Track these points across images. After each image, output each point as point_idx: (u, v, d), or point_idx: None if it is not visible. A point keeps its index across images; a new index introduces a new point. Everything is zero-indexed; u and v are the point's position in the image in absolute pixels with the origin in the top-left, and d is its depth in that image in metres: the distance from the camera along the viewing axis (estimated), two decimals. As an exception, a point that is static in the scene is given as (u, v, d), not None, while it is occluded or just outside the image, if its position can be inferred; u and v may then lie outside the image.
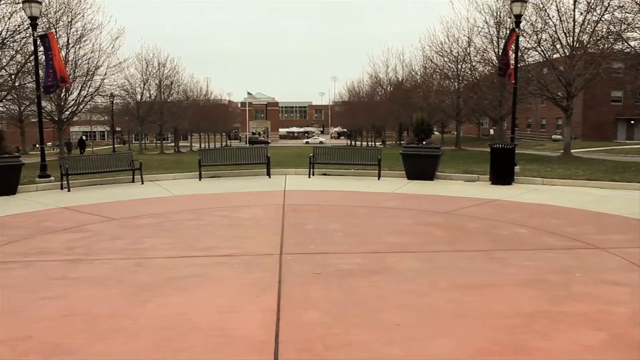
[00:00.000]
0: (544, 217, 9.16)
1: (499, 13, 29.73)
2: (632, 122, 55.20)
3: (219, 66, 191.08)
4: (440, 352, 3.77)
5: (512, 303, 4.77)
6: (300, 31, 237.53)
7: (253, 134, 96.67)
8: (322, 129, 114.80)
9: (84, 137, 54.19)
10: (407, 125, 46.43)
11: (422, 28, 54.43)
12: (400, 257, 6.52)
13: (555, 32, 25.63)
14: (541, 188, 13.30)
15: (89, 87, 32.13)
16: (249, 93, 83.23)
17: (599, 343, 3.91)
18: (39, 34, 16.06)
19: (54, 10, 26.97)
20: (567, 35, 25.54)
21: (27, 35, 23.13)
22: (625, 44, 24.60)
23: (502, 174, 14.14)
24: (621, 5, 23.63)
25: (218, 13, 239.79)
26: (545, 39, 26.06)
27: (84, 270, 6.03)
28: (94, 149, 58.26)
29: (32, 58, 20.90)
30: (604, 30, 24.72)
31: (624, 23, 23.57)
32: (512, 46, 16.58)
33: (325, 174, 16.65)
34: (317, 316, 4.49)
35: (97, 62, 31.18)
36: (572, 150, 27.89)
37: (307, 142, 79.13)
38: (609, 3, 23.99)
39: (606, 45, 25.09)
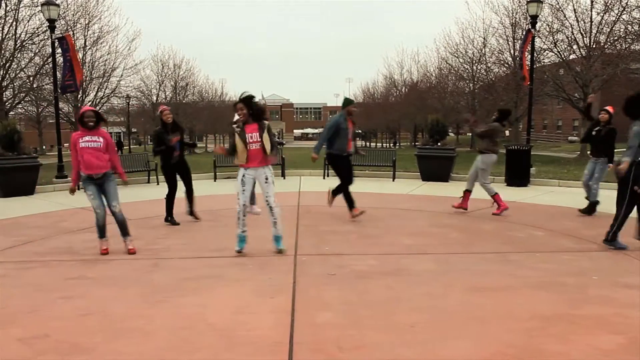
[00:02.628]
0: (560, 219, 9.09)
1: (514, 14, 29.52)
2: (651, 123, 54.44)
3: (234, 68, 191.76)
4: (455, 355, 3.75)
5: (528, 306, 4.74)
6: (314, 32, 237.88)
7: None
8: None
9: (121, 138, 54.74)
10: (422, 126, 46.27)
11: (438, 29, 54.41)
12: (415, 258, 6.50)
13: (572, 33, 25.41)
14: (557, 190, 13.21)
15: (105, 89, 32.50)
16: (262, 95, 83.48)
17: (617, 347, 3.86)
18: (57, 36, 16.28)
19: (72, 12, 27.30)
20: (584, 35, 25.30)
21: (46, 37, 23.46)
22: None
23: (517, 175, 14.06)
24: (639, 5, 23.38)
25: (227, 14, 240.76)
26: (562, 40, 25.84)
27: (101, 270, 6.09)
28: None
29: (50, 60, 21.16)
30: (622, 30, 24.46)
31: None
32: (528, 47, 16.48)
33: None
34: (332, 317, 4.49)
35: (114, 63, 31.54)
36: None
37: (321, 144, 78.88)
38: (627, 3, 23.74)
39: (624, 46, 24.81)
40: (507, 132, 59.30)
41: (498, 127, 9.41)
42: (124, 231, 6.93)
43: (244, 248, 6.65)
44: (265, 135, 6.41)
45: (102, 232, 6.90)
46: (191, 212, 9.09)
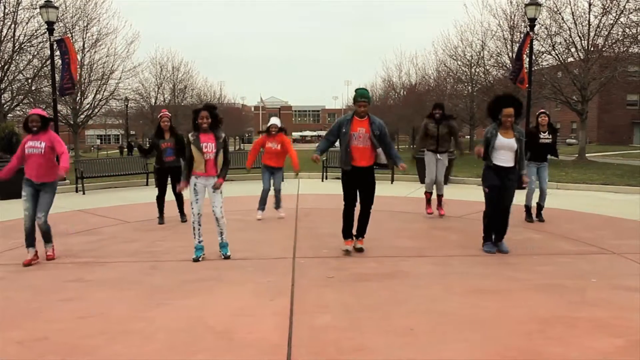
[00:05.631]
0: (558, 221, 9.10)
1: (513, 17, 29.54)
2: (648, 126, 54.65)
3: (232, 70, 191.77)
4: (454, 357, 3.76)
5: (527, 308, 4.74)
6: (312, 35, 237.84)
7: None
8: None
9: (132, 142, 54.67)
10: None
11: (436, 32, 54.60)
12: (414, 261, 6.50)
13: (570, 36, 25.44)
14: (555, 192, 13.20)
15: (104, 91, 32.39)
16: (261, 98, 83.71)
17: (616, 349, 3.87)
18: (56, 38, 16.28)
19: (70, 15, 27.23)
20: (582, 38, 25.32)
21: (44, 40, 23.44)
22: (642, 47, 24.35)
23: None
24: (637, 8, 23.41)
25: (225, 17, 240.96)
26: (560, 43, 25.87)
27: (99, 272, 6.09)
28: (108, 152, 58.73)
29: (48, 62, 21.15)
30: (620, 33, 24.49)
31: (640, 26, 23.33)
32: (527, 50, 16.52)
33: (338, 178, 16.63)
34: (331, 320, 4.49)
35: (112, 66, 31.42)
36: (586, 155, 27.65)
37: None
38: (624, 6, 23.77)
39: (622, 49, 24.84)
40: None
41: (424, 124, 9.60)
42: (46, 238, 6.70)
43: (201, 257, 6.60)
44: (219, 151, 6.43)
45: (28, 239, 6.51)
46: (181, 215, 9.43)
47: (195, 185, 6.50)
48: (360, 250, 6.86)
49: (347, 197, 6.78)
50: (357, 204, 6.83)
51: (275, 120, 9.65)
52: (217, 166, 6.46)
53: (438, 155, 9.51)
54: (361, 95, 6.55)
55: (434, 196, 9.82)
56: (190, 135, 6.48)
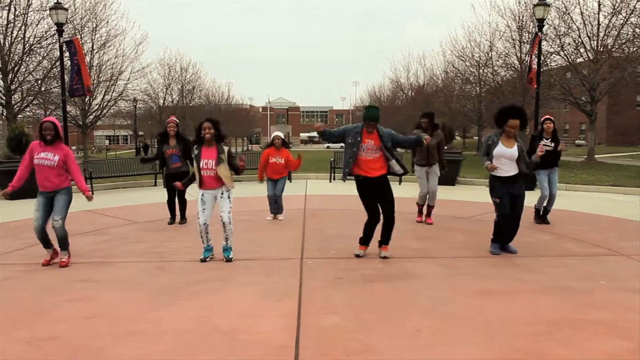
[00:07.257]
0: (567, 223, 9.05)
1: (521, 17, 29.42)
2: (658, 127, 54.14)
3: (240, 71, 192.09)
4: (461, 359, 3.74)
5: (534, 310, 4.72)
6: (321, 36, 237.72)
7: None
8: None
9: (147, 143, 54.98)
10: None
11: (444, 33, 54.70)
12: (422, 262, 6.48)
13: (579, 36, 25.30)
14: (564, 194, 13.13)
15: (112, 92, 32.61)
16: (269, 99, 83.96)
17: (624, 352, 3.84)
18: (65, 39, 16.41)
19: (80, 16, 27.49)
20: (591, 39, 25.19)
21: (54, 41, 23.62)
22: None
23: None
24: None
25: (233, 18, 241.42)
26: (569, 43, 25.74)
27: (106, 273, 6.11)
28: (117, 152, 58.99)
29: (58, 63, 21.29)
30: (630, 33, 24.34)
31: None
32: (535, 50, 16.45)
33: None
34: (338, 321, 4.49)
35: (121, 67, 31.62)
36: (596, 156, 27.51)
37: (327, 147, 78.95)
38: (635, 5, 23.63)
39: (632, 49, 24.68)
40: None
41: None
42: (62, 245, 6.50)
43: (209, 257, 6.62)
44: (222, 166, 6.38)
45: (43, 243, 6.49)
46: (181, 217, 9.43)
47: (202, 195, 6.52)
48: (385, 257, 6.67)
49: (368, 209, 6.70)
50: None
51: (278, 132, 9.78)
52: (219, 179, 6.41)
53: (427, 168, 9.23)
54: (370, 118, 6.44)
55: (421, 206, 9.59)
56: (194, 147, 6.53)
